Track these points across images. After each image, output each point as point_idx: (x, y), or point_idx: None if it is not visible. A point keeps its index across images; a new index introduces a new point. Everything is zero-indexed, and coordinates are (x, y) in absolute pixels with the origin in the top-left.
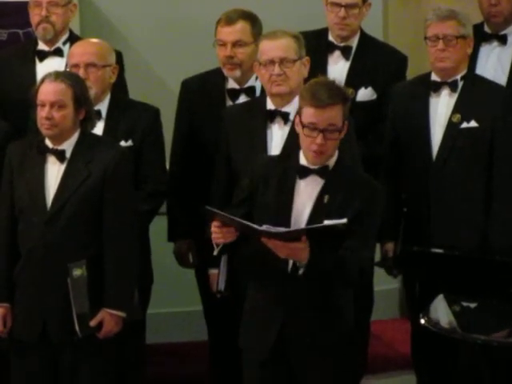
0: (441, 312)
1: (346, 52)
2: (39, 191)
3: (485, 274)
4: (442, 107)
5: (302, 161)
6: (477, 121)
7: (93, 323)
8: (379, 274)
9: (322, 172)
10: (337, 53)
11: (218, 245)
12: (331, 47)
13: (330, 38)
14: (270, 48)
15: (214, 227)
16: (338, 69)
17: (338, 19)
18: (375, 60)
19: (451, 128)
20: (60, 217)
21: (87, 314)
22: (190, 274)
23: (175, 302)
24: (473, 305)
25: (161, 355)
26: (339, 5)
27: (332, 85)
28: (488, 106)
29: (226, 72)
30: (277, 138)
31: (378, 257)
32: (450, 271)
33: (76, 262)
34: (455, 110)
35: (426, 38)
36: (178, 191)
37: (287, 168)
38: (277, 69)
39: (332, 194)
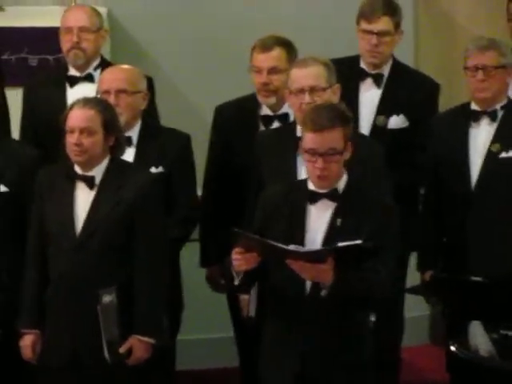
0: (478, 339)
1: (377, 79)
2: (69, 218)
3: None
4: (481, 137)
5: (311, 186)
6: None
7: (122, 350)
8: (410, 300)
9: (331, 195)
10: (368, 80)
11: (238, 273)
12: (363, 74)
13: (362, 65)
14: (301, 76)
15: (236, 254)
16: (369, 96)
17: (369, 46)
18: (407, 88)
19: (490, 158)
20: (90, 244)
21: (117, 341)
22: (220, 300)
23: (206, 328)
24: (509, 331)
25: (191, 382)
26: (371, 32)
27: (330, 108)
28: None
29: (260, 98)
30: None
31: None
32: (480, 298)
33: (106, 289)
34: (495, 139)
35: (465, 68)
36: (211, 217)
37: (297, 195)
38: (307, 97)
39: (344, 216)
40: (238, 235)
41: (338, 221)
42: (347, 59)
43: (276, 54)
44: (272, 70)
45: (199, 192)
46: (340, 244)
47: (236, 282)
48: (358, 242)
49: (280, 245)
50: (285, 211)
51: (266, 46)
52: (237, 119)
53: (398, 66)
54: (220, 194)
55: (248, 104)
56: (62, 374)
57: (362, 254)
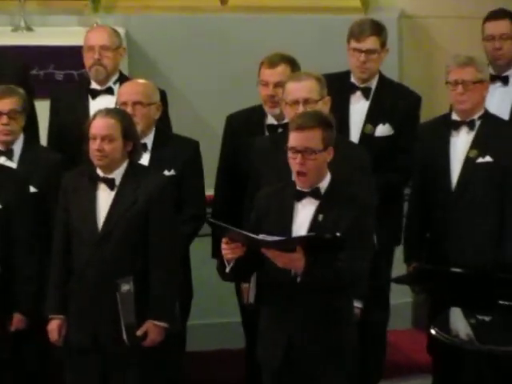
0: (458, 324)
1: (366, 92)
2: (91, 215)
3: (490, 289)
4: (460, 144)
5: (298, 186)
6: (491, 156)
7: (139, 333)
8: (395, 289)
9: (314, 194)
10: (358, 93)
11: (228, 262)
12: (353, 88)
13: (352, 79)
14: (295, 89)
15: (223, 244)
16: (359, 107)
17: (359, 63)
18: (392, 99)
19: (469, 162)
20: (109, 238)
21: (134, 325)
22: (227, 288)
23: (213, 314)
24: (484, 317)
25: (199, 362)
26: (360, 50)
27: (313, 112)
28: (502, 142)
29: (267, 109)
30: None
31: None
32: (459, 287)
33: (124, 278)
34: (472, 146)
35: (446, 82)
36: (221, 214)
37: (287, 194)
38: (301, 108)
39: (325, 213)
40: (214, 225)
41: (320, 216)
42: (339, 74)
43: (281, 70)
44: (277, 84)
45: (207, 192)
46: (303, 235)
47: (227, 270)
48: (316, 234)
49: (250, 234)
50: (275, 208)
51: (272, 62)
52: (245, 127)
53: (384, 80)
54: (229, 193)
55: (255, 114)
56: (84, 355)
57: (327, 245)
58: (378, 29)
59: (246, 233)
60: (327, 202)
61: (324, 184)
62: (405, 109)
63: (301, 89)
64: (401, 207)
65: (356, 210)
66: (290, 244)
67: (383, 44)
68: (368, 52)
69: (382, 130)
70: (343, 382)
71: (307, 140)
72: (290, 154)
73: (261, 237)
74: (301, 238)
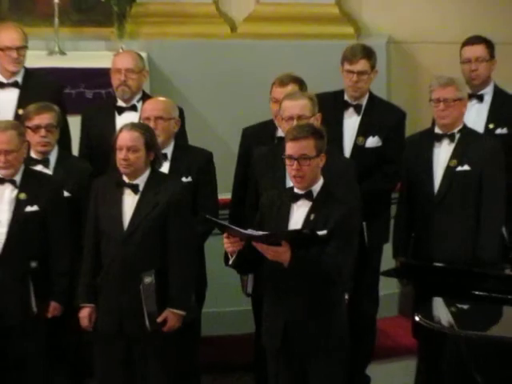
0: (440, 311)
1: (357, 109)
2: (117, 216)
3: (468, 281)
4: (442, 154)
5: (295, 190)
6: (469, 165)
7: (159, 320)
8: (383, 281)
9: (308, 196)
10: (350, 109)
11: (231, 255)
12: (346, 105)
13: (345, 97)
14: (290, 106)
15: (224, 238)
16: (351, 122)
17: (351, 83)
18: (380, 115)
19: (449, 170)
20: (134, 237)
21: (155, 313)
22: (237, 281)
23: (225, 302)
24: (462, 305)
25: (213, 346)
26: (352, 72)
27: (306, 124)
28: (478, 153)
29: (277, 123)
30: None
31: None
32: (441, 279)
33: (147, 272)
34: (452, 156)
35: (430, 100)
36: (237, 215)
37: (285, 197)
38: (295, 124)
39: (316, 212)
40: (210, 221)
41: (312, 215)
42: (334, 92)
43: (291, 89)
44: (282, 101)
45: (219, 196)
46: (285, 230)
47: (230, 262)
48: (299, 229)
49: (239, 229)
50: (275, 208)
51: (283, 81)
52: (258, 139)
53: (373, 98)
54: (243, 196)
55: (267, 127)
56: (111, 339)
57: (308, 239)
58: (368, 53)
59: (235, 227)
60: (318, 204)
61: (317, 187)
62: (392, 123)
63: (295, 106)
64: (389, 210)
65: (343, 211)
66: (275, 238)
67: (373, 66)
68: (359, 73)
69: (372, 141)
70: (333, 363)
71: (302, 148)
72: (287, 162)
73: (249, 231)
74: (283, 233)
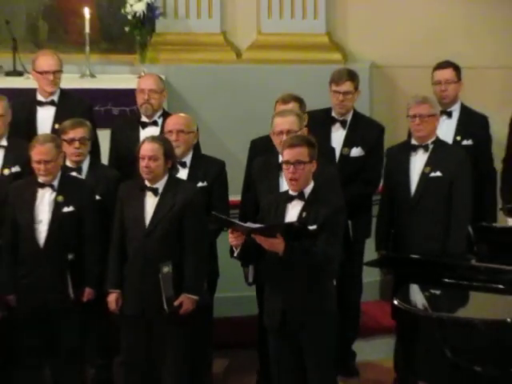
0: (415, 296)
1: (343, 124)
2: (140, 215)
3: (439, 270)
4: (418, 162)
5: (290, 192)
6: (441, 172)
7: (176, 303)
8: (367, 270)
9: (300, 197)
10: (337, 124)
11: (236, 248)
12: (333, 120)
13: (333, 114)
14: (281, 123)
15: (229, 233)
16: (338, 135)
17: (338, 102)
18: (363, 129)
19: (423, 176)
20: (154, 233)
21: (172, 297)
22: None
23: (234, 289)
24: (435, 291)
25: (223, 326)
26: (339, 92)
27: (300, 135)
28: (449, 161)
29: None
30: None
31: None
32: (416, 269)
33: (165, 262)
34: (427, 164)
35: (407, 115)
36: (246, 214)
37: (282, 199)
38: (285, 137)
39: (308, 211)
40: (214, 217)
41: (304, 213)
42: (323, 110)
43: (292, 106)
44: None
45: (230, 198)
46: (278, 223)
47: (235, 255)
48: (290, 222)
49: (240, 223)
50: (274, 208)
51: (285, 100)
52: (264, 149)
53: (357, 114)
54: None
55: (272, 140)
56: (135, 320)
57: (298, 232)
58: (352, 76)
59: (237, 222)
60: (309, 203)
61: (308, 190)
62: (372, 136)
63: (285, 123)
64: (370, 210)
65: (330, 210)
66: (270, 231)
67: (356, 87)
68: (345, 93)
69: (355, 151)
70: (325, 340)
71: (297, 154)
72: (284, 166)
73: (248, 224)
74: (277, 226)
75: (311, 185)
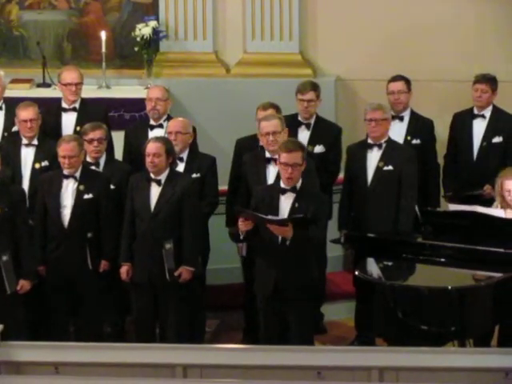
0: (372, 267)
1: (308, 126)
2: (147, 202)
3: (391, 246)
4: (373, 158)
5: (282, 185)
6: (392, 166)
7: (176, 274)
8: (331, 247)
9: (293, 190)
10: (303, 126)
11: (242, 232)
12: (300, 123)
13: (299, 118)
14: (266, 126)
15: (240, 221)
16: (303, 135)
17: (303, 108)
18: (323, 130)
19: (378, 170)
20: (158, 216)
21: (173, 269)
22: (232, 247)
23: (223, 261)
24: (388, 263)
25: (214, 291)
26: (303, 100)
27: (295, 140)
28: (399, 157)
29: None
30: (273, 173)
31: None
32: (372, 245)
33: (167, 240)
34: (380, 159)
35: (364, 119)
36: (230, 200)
37: (275, 190)
38: (270, 137)
39: (299, 202)
40: (240, 210)
41: (296, 204)
42: (291, 115)
43: (270, 112)
44: (260, 121)
45: (219, 188)
46: (292, 216)
47: (241, 237)
48: (301, 215)
49: (262, 215)
50: (267, 198)
51: (265, 106)
52: (247, 147)
53: (318, 118)
54: (236, 189)
55: (253, 139)
56: (142, 287)
57: (305, 222)
58: (314, 86)
59: (260, 215)
60: (300, 195)
61: (298, 184)
62: (332, 135)
63: (270, 125)
64: (331, 196)
65: (317, 200)
66: (285, 222)
67: (318, 96)
68: (309, 101)
69: (318, 148)
70: (309, 306)
71: (294, 158)
72: (282, 167)
73: (269, 217)
74: (291, 218)
75: (300, 180)
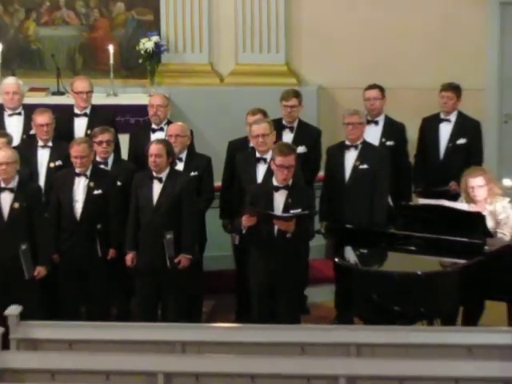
0: (349, 255)
1: (291, 129)
2: (150, 197)
3: (366, 237)
4: (350, 158)
5: (275, 183)
6: (367, 164)
7: (176, 261)
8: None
9: (286, 187)
10: (287, 129)
11: (244, 227)
12: (284, 127)
13: (283, 122)
14: (257, 129)
15: (245, 217)
16: (287, 137)
17: (286, 113)
18: (305, 132)
19: (355, 168)
20: (160, 210)
21: (173, 256)
22: (224, 237)
23: (217, 250)
24: (364, 251)
25: (211, 277)
26: (287, 106)
27: (289, 144)
28: (373, 157)
29: (250, 138)
30: (262, 171)
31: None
32: (350, 235)
33: (168, 231)
34: (357, 159)
35: (343, 123)
36: (225, 196)
37: (268, 188)
38: (260, 139)
39: (291, 198)
40: (252, 209)
41: (289, 199)
42: (276, 119)
43: (258, 116)
44: (251, 125)
45: (215, 184)
46: (294, 212)
47: (243, 232)
48: (306, 212)
49: (270, 212)
50: (262, 195)
51: (253, 112)
52: (238, 148)
53: (301, 122)
54: (229, 185)
55: (244, 141)
56: (146, 273)
57: (307, 216)
58: (296, 93)
59: (270, 212)
60: (292, 192)
61: (290, 182)
62: (313, 137)
63: (260, 128)
64: (313, 190)
65: (307, 196)
66: (290, 217)
67: (300, 102)
68: (292, 107)
69: (300, 149)
70: (297, 289)
71: (289, 160)
72: (278, 168)
73: (276, 213)
74: (296, 214)
75: (291, 179)
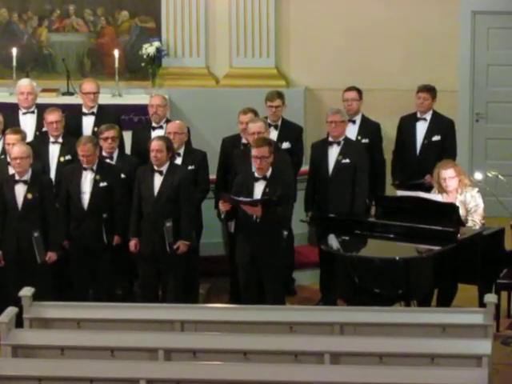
0: (332, 241)
1: (276, 127)
2: (151, 189)
3: (348, 225)
4: (333, 153)
5: (256, 174)
6: (349, 159)
7: (175, 247)
8: (300, 225)
9: (264, 178)
10: (272, 127)
11: (222, 212)
12: (269, 125)
13: (269, 120)
14: (253, 127)
15: (220, 203)
16: (273, 134)
17: (271, 113)
18: (288, 130)
19: (337, 162)
20: (160, 200)
21: (172, 243)
22: (219, 226)
23: (212, 236)
24: (346, 238)
25: (208, 262)
26: (272, 106)
27: (264, 137)
28: (354, 153)
29: (242, 135)
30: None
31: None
32: (333, 224)
33: (167, 219)
34: (339, 154)
35: (326, 121)
36: (219, 187)
37: (250, 179)
38: (256, 136)
39: (269, 188)
40: (223, 196)
41: (267, 189)
42: (263, 118)
43: (250, 116)
44: (248, 123)
45: (210, 177)
46: (258, 198)
47: (222, 216)
48: (267, 197)
49: (236, 198)
50: (245, 185)
51: (245, 111)
52: (231, 144)
53: (284, 120)
54: (223, 178)
55: (236, 137)
56: (147, 258)
57: (271, 203)
58: (280, 95)
59: (235, 197)
60: (270, 182)
61: (268, 173)
62: (295, 134)
63: (256, 127)
64: (296, 183)
65: (284, 186)
66: (255, 202)
67: (283, 103)
68: (276, 107)
69: (285, 145)
70: (279, 271)
71: (262, 152)
72: (253, 159)
73: (241, 198)
74: (260, 199)
75: (270, 169)
